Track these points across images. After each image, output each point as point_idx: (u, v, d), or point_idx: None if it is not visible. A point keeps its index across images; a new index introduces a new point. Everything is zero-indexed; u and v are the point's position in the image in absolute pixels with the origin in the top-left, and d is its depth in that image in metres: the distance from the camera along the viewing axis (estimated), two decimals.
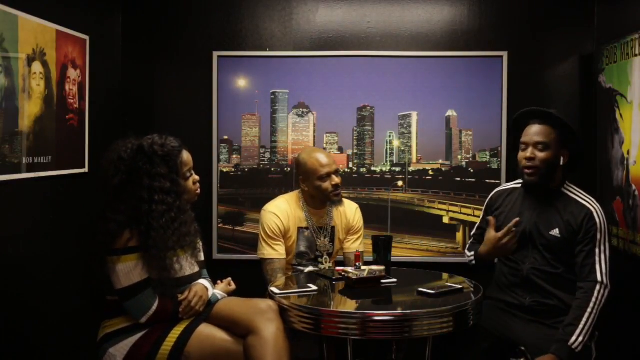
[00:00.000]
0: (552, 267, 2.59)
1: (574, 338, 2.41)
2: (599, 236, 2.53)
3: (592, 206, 2.58)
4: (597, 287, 2.47)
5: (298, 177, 3.03)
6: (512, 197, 2.77)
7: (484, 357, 2.55)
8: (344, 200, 3.17)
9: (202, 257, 2.64)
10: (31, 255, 2.71)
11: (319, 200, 2.99)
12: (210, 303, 2.49)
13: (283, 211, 2.97)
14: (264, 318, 2.34)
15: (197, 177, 2.54)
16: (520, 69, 3.50)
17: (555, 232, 2.59)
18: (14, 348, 2.57)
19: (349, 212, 3.10)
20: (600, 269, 2.50)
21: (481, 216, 2.89)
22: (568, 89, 3.53)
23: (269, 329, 2.32)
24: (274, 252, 2.92)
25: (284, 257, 2.94)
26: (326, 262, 3.01)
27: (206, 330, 2.38)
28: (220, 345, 2.36)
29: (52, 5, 2.84)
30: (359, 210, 3.14)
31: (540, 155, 2.59)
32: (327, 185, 2.93)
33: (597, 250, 2.53)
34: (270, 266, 2.91)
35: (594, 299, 2.46)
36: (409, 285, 2.64)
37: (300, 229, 3.00)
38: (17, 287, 2.61)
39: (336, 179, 2.95)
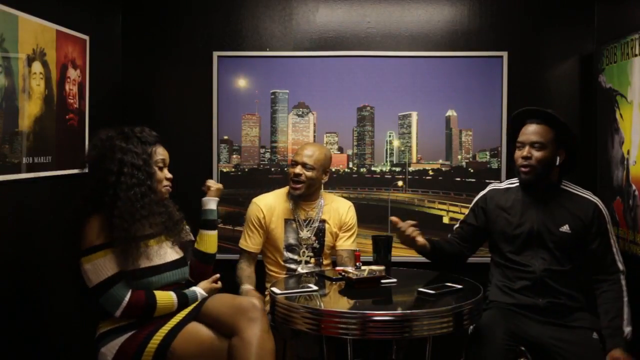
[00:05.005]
0: (561, 265, 2.63)
1: (626, 329, 2.52)
2: (610, 227, 2.65)
3: (596, 200, 2.69)
4: (622, 276, 2.62)
5: None
6: (508, 196, 2.76)
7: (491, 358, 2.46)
8: (338, 198, 3.24)
9: (189, 237, 2.66)
10: (31, 255, 2.71)
11: None
12: (188, 300, 2.45)
13: (267, 202, 3.07)
14: (246, 318, 2.29)
15: (169, 175, 2.53)
16: (520, 69, 3.50)
17: (566, 228, 2.63)
18: (13, 348, 2.57)
19: (341, 208, 3.14)
20: (619, 259, 2.64)
21: (468, 210, 2.91)
22: (568, 89, 3.53)
23: (252, 330, 2.26)
24: (245, 242, 3.06)
25: (254, 250, 3.04)
26: (303, 255, 3.03)
27: (193, 328, 2.36)
28: (206, 343, 2.33)
29: (52, 5, 2.84)
30: (352, 208, 3.18)
31: (537, 154, 2.63)
32: (290, 170, 3.05)
33: (611, 242, 2.65)
34: (241, 255, 3.07)
35: (624, 288, 2.60)
36: (409, 285, 2.65)
37: (287, 221, 3.05)
38: (17, 287, 2.61)
39: (296, 169, 2.99)
